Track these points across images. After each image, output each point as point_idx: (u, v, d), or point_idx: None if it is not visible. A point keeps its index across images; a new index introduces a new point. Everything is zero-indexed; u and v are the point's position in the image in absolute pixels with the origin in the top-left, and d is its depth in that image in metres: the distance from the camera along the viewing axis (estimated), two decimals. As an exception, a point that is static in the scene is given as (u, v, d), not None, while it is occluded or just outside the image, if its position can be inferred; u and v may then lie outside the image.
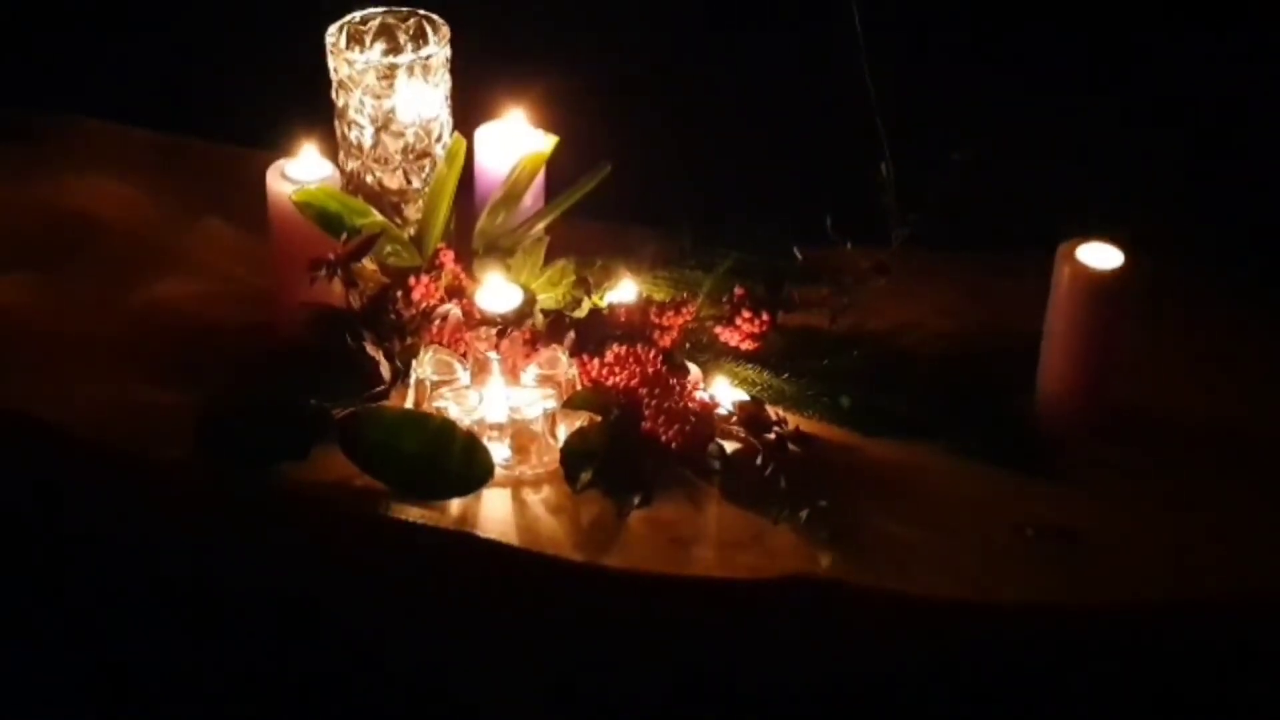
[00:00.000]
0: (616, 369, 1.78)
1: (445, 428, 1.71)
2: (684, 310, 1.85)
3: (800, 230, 1.95)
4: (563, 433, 1.75)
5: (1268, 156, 2.15)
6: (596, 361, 1.79)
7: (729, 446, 1.75)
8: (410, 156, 1.91)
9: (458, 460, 1.70)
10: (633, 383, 1.77)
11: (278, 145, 1.88)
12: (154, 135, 2.22)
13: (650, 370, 1.77)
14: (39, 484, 1.80)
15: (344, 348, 1.79)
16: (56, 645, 1.86)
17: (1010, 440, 1.80)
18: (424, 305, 1.81)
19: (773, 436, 1.72)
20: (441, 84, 1.90)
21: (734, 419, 1.75)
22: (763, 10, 2.25)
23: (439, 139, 1.92)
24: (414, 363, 1.77)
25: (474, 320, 1.78)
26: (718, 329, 1.87)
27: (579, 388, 1.78)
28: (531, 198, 1.91)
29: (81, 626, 1.85)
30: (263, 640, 1.79)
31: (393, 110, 1.88)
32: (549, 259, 1.90)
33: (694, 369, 1.81)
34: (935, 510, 1.72)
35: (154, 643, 1.83)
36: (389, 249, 1.86)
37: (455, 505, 1.70)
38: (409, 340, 1.80)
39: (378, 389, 1.78)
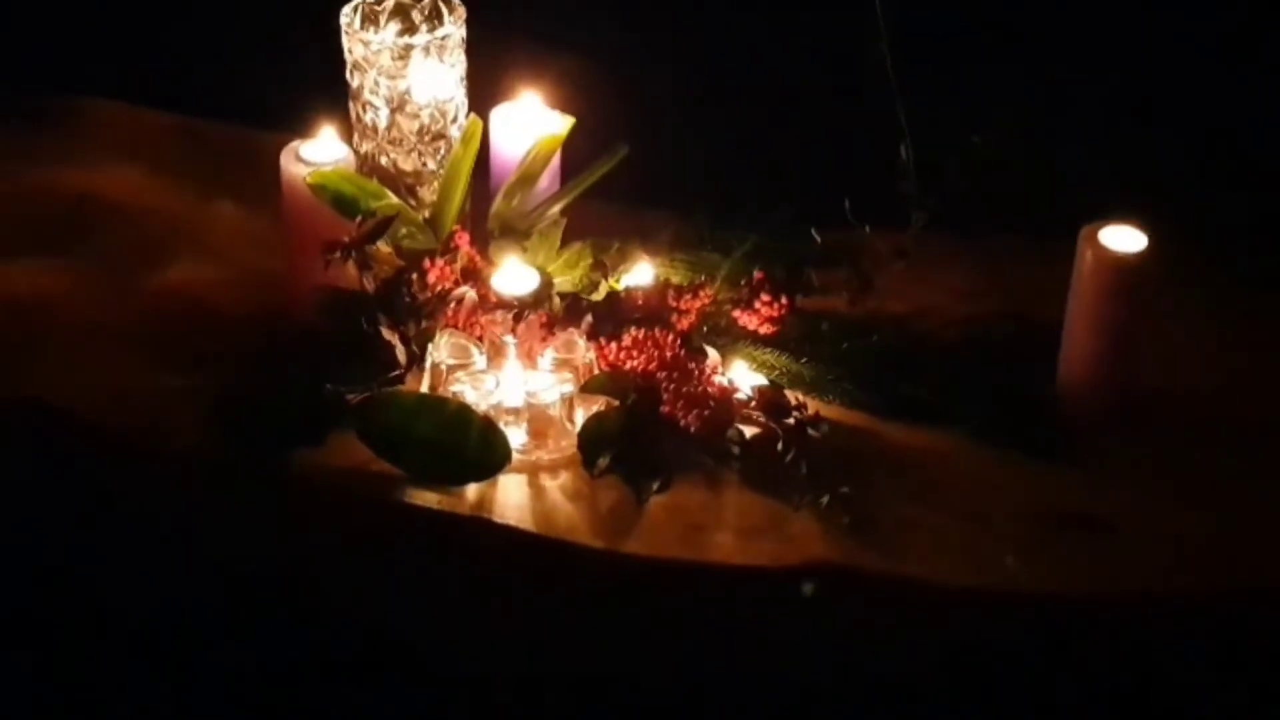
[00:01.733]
0: (634, 353, 1.76)
1: (461, 412, 1.70)
2: (702, 294, 1.84)
3: (819, 213, 1.93)
4: (580, 417, 1.74)
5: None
6: (614, 345, 1.77)
7: (748, 431, 1.73)
8: (425, 138, 1.90)
9: (474, 445, 1.69)
10: (650, 367, 1.76)
11: (292, 127, 1.86)
12: (166, 117, 2.20)
13: (668, 354, 1.76)
14: (52, 470, 1.78)
15: (359, 332, 1.77)
16: (66, 630, 1.85)
17: (1031, 426, 1.78)
18: (439, 289, 1.80)
19: (792, 421, 1.70)
20: (457, 65, 1.89)
21: (753, 404, 1.74)
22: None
23: (454, 120, 1.91)
24: (429, 347, 1.76)
25: (490, 304, 1.77)
26: (736, 312, 1.85)
27: (596, 372, 1.76)
28: (547, 180, 1.90)
29: (93, 612, 1.84)
30: (275, 627, 1.78)
31: (408, 91, 1.87)
32: (565, 242, 1.89)
33: (712, 353, 1.80)
34: (955, 496, 1.71)
35: (165, 629, 1.82)
36: (404, 232, 1.85)
37: (472, 491, 1.69)
38: (424, 324, 1.79)
39: (393, 374, 1.77)
